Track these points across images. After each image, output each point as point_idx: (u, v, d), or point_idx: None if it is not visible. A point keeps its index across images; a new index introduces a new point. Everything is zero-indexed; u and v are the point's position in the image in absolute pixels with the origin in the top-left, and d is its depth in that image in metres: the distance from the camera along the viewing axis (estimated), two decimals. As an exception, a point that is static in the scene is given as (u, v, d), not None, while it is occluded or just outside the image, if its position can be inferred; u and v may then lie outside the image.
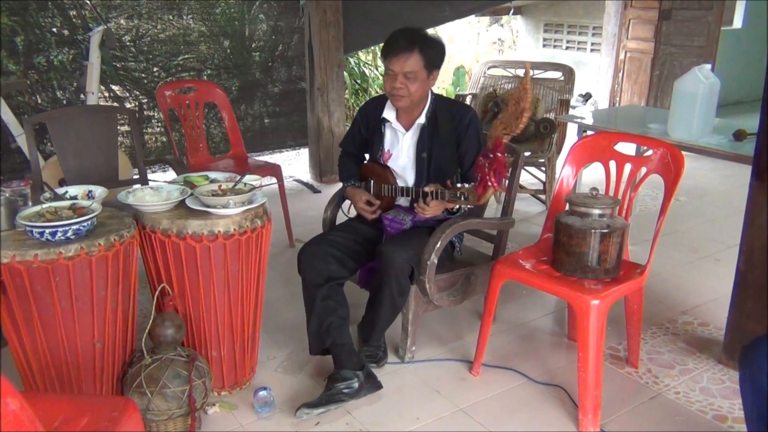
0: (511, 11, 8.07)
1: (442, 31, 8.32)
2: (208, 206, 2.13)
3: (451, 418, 2.25)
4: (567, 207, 2.28)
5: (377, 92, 6.67)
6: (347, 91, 6.41)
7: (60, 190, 2.24)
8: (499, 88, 4.53)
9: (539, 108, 4.35)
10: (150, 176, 4.23)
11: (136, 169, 3.20)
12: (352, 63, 6.69)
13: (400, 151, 2.51)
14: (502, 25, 9.06)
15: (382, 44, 2.39)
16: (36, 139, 2.92)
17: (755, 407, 1.66)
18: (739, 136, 3.04)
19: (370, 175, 2.57)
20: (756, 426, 1.68)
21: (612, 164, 2.52)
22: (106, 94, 4.52)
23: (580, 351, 2.15)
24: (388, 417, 2.24)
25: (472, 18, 8.26)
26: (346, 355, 2.30)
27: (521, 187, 4.29)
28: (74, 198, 2.18)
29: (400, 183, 2.50)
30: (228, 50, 4.95)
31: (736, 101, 7.42)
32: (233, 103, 4.53)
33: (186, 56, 4.78)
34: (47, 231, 1.84)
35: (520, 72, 4.63)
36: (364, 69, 6.97)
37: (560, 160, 3.42)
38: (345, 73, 5.57)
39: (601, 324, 2.12)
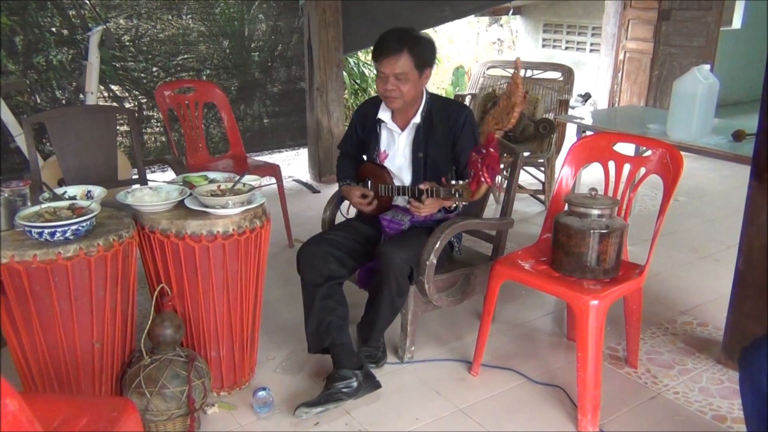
0: (511, 11, 8.08)
1: (442, 31, 8.33)
2: (207, 206, 2.13)
3: (451, 418, 2.25)
4: (566, 207, 2.28)
5: (377, 92, 6.66)
6: (346, 91, 6.42)
7: (59, 190, 2.24)
8: (498, 89, 4.52)
9: (538, 108, 4.35)
10: (149, 176, 4.23)
11: (136, 169, 3.20)
12: (352, 63, 6.70)
13: (396, 151, 2.51)
14: (501, 26, 9.06)
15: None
16: (35, 139, 2.92)
17: (755, 408, 1.66)
18: (738, 136, 3.05)
19: (368, 176, 2.57)
20: (755, 426, 1.68)
21: (611, 164, 2.52)
22: (106, 94, 4.51)
23: (579, 351, 2.15)
24: (387, 417, 2.24)
25: (471, 18, 8.27)
26: (345, 354, 2.30)
27: (520, 187, 4.29)
28: (73, 198, 2.18)
29: (397, 183, 2.50)
30: (227, 50, 4.95)
31: (735, 101, 7.42)
32: (232, 103, 4.53)
33: (185, 56, 4.78)
34: (46, 231, 1.84)
35: (520, 72, 4.63)
36: (364, 69, 6.97)
37: (559, 161, 3.43)
38: (344, 73, 5.57)
39: (600, 324, 2.12)
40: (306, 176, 5.12)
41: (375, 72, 2.44)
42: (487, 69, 4.74)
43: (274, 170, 3.65)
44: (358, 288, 2.54)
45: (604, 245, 2.16)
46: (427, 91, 2.49)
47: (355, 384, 2.26)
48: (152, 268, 2.20)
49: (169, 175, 4.60)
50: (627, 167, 2.49)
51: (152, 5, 4.55)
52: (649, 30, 6.04)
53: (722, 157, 3.03)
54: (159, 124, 4.78)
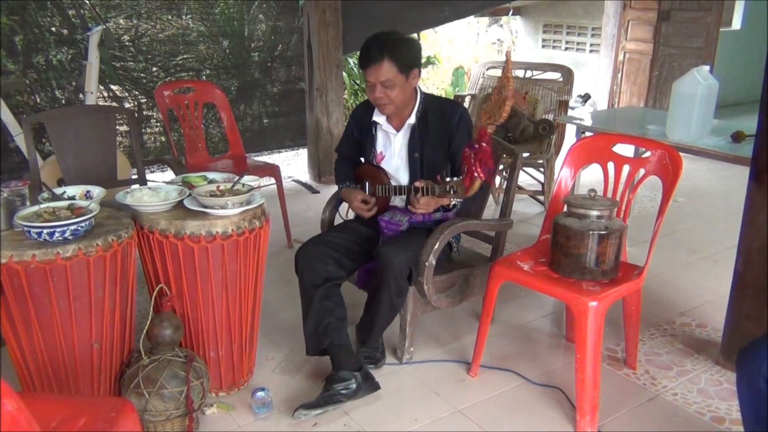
0: (511, 12, 8.07)
1: (442, 32, 8.34)
2: (206, 207, 2.13)
3: (449, 419, 2.25)
4: (565, 208, 2.28)
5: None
6: (346, 91, 6.41)
7: (58, 190, 2.24)
8: (497, 89, 4.52)
9: (538, 109, 4.35)
10: (148, 176, 4.23)
11: (135, 169, 3.20)
12: (351, 63, 6.69)
13: (393, 152, 2.51)
14: (501, 26, 9.07)
15: None
16: (34, 138, 2.92)
17: (752, 409, 1.66)
18: (737, 137, 3.05)
19: (366, 177, 2.57)
20: (753, 428, 1.68)
21: (610, 165, 2.52)
22: (105, 94, 4.52)
23: (578, 352, 2.15)
24: (386, 418, 2.24)
25: (471, 18, 8.27)
26: (343, 355, 2.30)
27: (520, 188, 4.29)
28: (72, 198, 2.18)
29: (394, 183, 2.50)
30: (227, 50, 4.95)
31: (735, 102, 7.43)
32: (232, 104, 4.54)
33: (185, 56, 4.78)
34: (45, 231, 1.84)
35: (519, 73, 4.64)
36: (363, 69, 6.95)
37: (559, 162, 3.43)
38: (344, 74, 5.57)
39: (599, 325, 2.12)
40: (305, 176, 5.12)
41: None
42: (487, 69, 4.74)
43: (273, 170, 3.65)
44: (357, 288, 2.54)
45: (603, 246, 2.16)
46: (421, 90, 2.49)
47: (354, 385, 2.26)
48: (151, 268, 2.20)
49: (169, 175, 4.60)
50: (626, 168, 2.49)
51: (152, 5, 4.55)
52: (648, 31, 6.04)
53: (721, 158, 3.02)
54: (158, 124, 4.78)
